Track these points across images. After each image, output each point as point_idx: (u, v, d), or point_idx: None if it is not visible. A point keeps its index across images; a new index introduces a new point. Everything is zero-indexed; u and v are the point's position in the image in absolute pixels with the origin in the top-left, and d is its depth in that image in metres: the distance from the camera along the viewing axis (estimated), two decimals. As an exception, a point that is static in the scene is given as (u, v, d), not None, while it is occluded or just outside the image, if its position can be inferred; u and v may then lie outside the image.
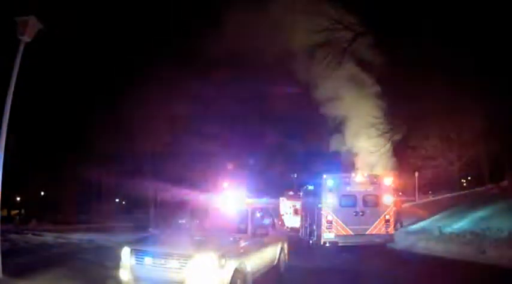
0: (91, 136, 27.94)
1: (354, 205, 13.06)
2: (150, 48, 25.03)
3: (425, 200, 29.84)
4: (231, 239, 6.65)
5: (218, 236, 6.62)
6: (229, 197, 8.06)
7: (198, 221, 7.89)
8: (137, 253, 5.97)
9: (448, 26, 15.27)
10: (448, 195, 27.23)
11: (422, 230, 16.33)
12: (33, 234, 16.13)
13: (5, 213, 29.74)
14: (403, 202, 26.12)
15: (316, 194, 14.43)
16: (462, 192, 28.33)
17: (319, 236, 13.22)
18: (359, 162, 19.94)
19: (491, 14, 14.35)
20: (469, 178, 38.78)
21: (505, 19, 13.94)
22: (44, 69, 23.77)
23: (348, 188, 13.20)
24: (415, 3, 16.06)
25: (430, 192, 33.34)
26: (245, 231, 7.03)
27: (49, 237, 15.48)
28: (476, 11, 14.57)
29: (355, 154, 19.90)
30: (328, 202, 12.99)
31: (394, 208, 13.74)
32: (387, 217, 13.09)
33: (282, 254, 8.66)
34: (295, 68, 20.14)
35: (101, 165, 30.11)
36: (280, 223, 9.51)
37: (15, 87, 7.31)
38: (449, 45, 15.47)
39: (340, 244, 12.78)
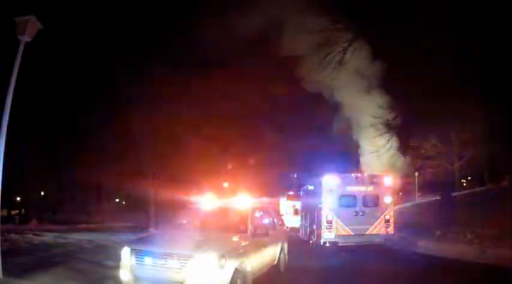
0: (91, 137, 27.93)
1: (354, 205, 13.08)
2: (151, 48, 25.02)
3: (424, 200, 29.83)
4: (231, 239, 6.66)
5: (218, 236, 6.62)
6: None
7: (198, 221, 7.89)
8: (137, 253, 5.97)
9: (448, 26, 15.28)
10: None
11: (422, 230, 16.31)
12: (33, 234, 16.10)
13: (5, 213, 29.75)
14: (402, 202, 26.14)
15: (316, 194, 14.44)
16: (462, 192, 28.30)
17: (319, 236, 13.23)
18: (359, 161, 19.97)
19: (492, 14, 14.36)
20: (469, 178, 38.75)
21: (506, 19, 13.94)
22: (43, 69, 23.75)
23: (348, 188, 13.22)
24: (416, 5, 16.07)
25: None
26: (245, 231, 7.03)
27: (49, 237, 15.44)
28: (476, 11, 14.58)
29: (356, 154, 19.93)
30: (328, 202, 13.01)
31: (394, 208, 13.77)
32: (387, 217, 13.11)
33: (282, 254, 8.67)
34: (295, 67, 20.17)
35: (101, 165, 30.10)
36: (280, 223, 9.52)
37: (15, 87, 7.31)
38: (450, 46, 15.48)
39: (340, 244, 12.80)
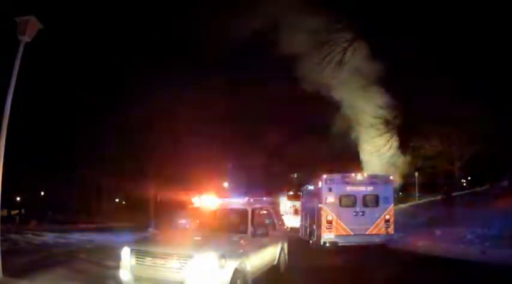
0: (91, 137, 27.95)
1: (354, 205, 13.08)
2: (150, 49, 25.10)
3: (424, 200, 29.84)
4: (231, 239, 6.66)
5: (218, 236, 6.62)
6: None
7: (198, 221, 7.88)
8: (137, 253, 5.97)
9: (448, 28, 15.27)
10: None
11: (422, 230, 16.32)
12: (33, 234, 16.10)
13: (5, 213, 29.74)
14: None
15: (316, 194, 14.44)
16: (462, 192, 28.29)
17: (319, 236, 13.23)
18: (360, 161, 19.97)
19: (491, 18, 14.37)
20: (469, 178, 38.79)
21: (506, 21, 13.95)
22: (44, 69, 23.77)
23: (348, 188, 13.22)
24: (418, 8, 16.06)
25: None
26: (245, 231, 7.03)
27: (49, 237, 15.44)
28: (476, 17, 14.59)
29: (356, 154, 19.93)
30: (328, 202, 13.01)
31: (394, 208, 13.76)
32: (387, 217, 13.11)
33: (282, 254, 8.66)
34: (295, 67, 20.19)
35: (102, 165, 30.13)
36: (280, 223, 9.54)
37: (15, 87, 7.30)
38: (450, 47, 15.48)
39: (340, 244, 12.80)
